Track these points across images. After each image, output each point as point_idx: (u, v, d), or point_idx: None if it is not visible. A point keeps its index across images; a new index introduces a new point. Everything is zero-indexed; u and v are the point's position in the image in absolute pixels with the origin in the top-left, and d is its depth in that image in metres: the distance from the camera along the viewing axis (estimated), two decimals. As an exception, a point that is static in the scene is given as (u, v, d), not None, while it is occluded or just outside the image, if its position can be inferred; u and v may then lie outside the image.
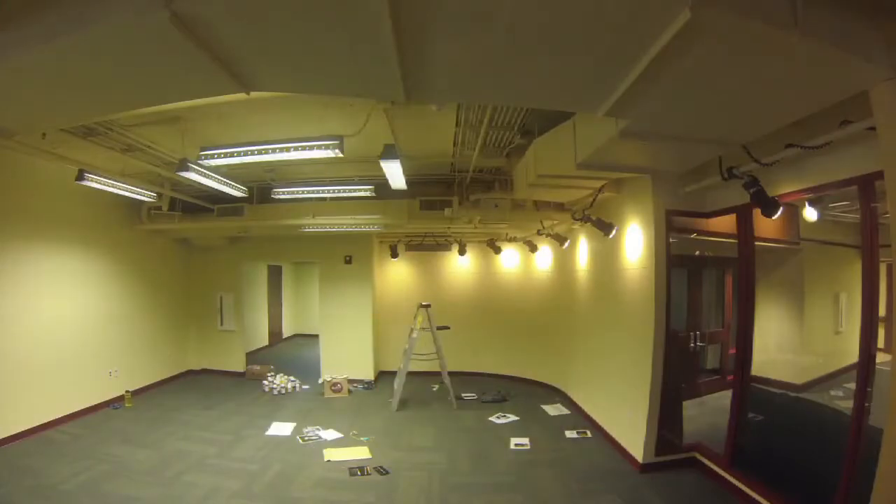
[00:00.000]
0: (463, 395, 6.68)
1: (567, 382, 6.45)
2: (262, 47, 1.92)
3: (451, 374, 7.53)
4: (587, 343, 5.61)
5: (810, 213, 3.30)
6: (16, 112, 2.74)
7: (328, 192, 5.38)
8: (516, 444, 4.80)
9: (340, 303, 7.67)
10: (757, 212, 3.12)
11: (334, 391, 6.72)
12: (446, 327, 6.61)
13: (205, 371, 7.93)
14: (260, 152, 3.55)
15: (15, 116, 2.82)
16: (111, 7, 1.71)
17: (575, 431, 5.12)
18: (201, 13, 1.65)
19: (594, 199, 4.59)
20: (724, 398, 4.29)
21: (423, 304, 6.50)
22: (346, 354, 7.49)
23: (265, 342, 10.78)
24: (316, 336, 8.12)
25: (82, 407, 5.52)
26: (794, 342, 5.09)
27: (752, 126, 2.64)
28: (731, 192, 3.44)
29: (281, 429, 5.21)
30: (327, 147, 3.45)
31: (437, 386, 7.04)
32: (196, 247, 7.89)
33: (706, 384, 5.45)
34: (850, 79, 2.04)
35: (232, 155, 3.58)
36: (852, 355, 2.77)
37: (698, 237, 4.54)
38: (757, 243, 3.72)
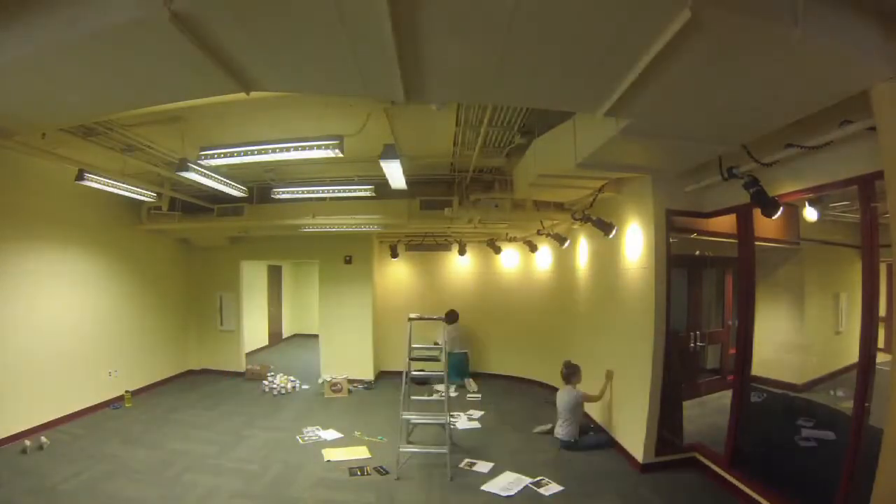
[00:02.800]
0: (468, 396, 6.68)
1: (567, 382, 6.45)
2: (261, 47, 1.92)
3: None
4: (587, 343, 5.60)
5: (810, 213, 3.30)
6: (16, 112, 2.74)
7: (328, 192, 5.38)
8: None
9: (340, 303, 7.68)
10: (757, 212, 3.12)
11: (334, 391, 6.72)
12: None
13: (205, 371, 7.93)
14: (260, 152, 3.55)
15: (15, 116, 2.82)
16: (111, 6, 1.71)
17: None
18: (201, 13, 1.65)
19: (594, 199, 4.58)
20: (724, 398, 4.29)
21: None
22: (346, 354, 7.49)
23: (265, 342, 10.79)
24: (316, 336, 8.12)
25: (82, 407, 5.52)
26: (795, 342, 5.10)
27: (751, 126, 2.64)
28: (731, 192, 3.44)
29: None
30: (327, 147, 3.45)
31: (437, 386, 7.03)
32: (196, 247, 7.90)
33: (706, 384, 5.45)
34: (850, 79, 2.04)
35: (232, 155, 3.58)
36: (852, 355, 2.77)
37: (698, 237, 4.54)
38: (757, 243, 3.72)
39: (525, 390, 7.05)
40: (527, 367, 7.50)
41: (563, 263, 6.57)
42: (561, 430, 4.70)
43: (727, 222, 3.90)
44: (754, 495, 3.38)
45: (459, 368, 7.37)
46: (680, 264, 4.49)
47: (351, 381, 6.96)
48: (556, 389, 6.58)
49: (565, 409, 4.69)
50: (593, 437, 4.71)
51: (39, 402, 4.96)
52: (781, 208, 2.93)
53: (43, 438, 4.56)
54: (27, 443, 4.43)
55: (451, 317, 7.43)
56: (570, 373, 4.86)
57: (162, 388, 6.93)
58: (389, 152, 3.78)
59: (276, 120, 3.82)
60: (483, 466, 4.23)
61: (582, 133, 3.29)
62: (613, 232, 4.43)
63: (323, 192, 5.38)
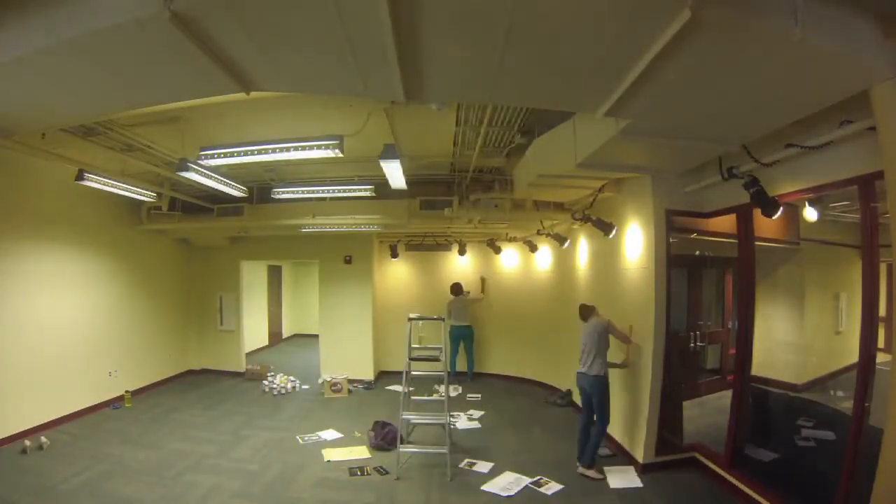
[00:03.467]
0: (468, 396, 6.68)
1: (567, 382, 6.44)
2: (261, 47, 1.92)
3: (449, 373, 7.51)
4: (587, 343, 5.60)
5: (810, 213, 3.30)
6: (16, 112, 2.74)
7: (328, 192, 5.38)
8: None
9: (340, 303, 7.67)
10: (757, 212, 3.12)
11: (334, 391, 6.72)
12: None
13: (205, 371, 7.93)
14: (260, 152, 3.55)
15: (15, 116, 2.82)
16: (111, 6, 1.71)
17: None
18: (201, 13, 1.65)
19: (594, 199, 4.59)
20: (724, 398, 4.28)
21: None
22: (346, 354, 7.49)
23: (265, 342, 10.79)
24: (316, 336, 8.12)
25: (82, 407, 5.52)
26: (795, 342, 5.10)
27: (752, 126, 2.65)
28: (731, 192, 3.44)
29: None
30: (327, 147, 3.45)
31: (437, 385, 7.04)
32: (196, 247, 7.90)
33: (706, 384, 5.45)
34: (850, 79, 2.04)
35: (232, 155, 3.58)
36: (852, 355, 2.77)
37: (698, 237, 4.54)
38: (757, 243, 3.71)
39: (525, 390, 7.05)
40: (527, 367, 7.50)
41: (563, 263, 6.57)
42: (587, 366, 4.08)
43: (727, 222, 3.89)
44: (754, 495, 3.37)
45: (466, 341, 7.54)
46: (680, 264, 4.48)
47: (351, 381, 6.96)
48: (556, 389, 6.63)
49: (591, 339, 4.09)
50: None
51: (39, 402, 4.96)
52: (781, 208, 2.93)
53: (43, 438, 4.56)
54: (27, 443, 4.43)
55: (456, 289, 7.61)
56: (588, 312, 4.32)
57: (162, 388, 6.92)
58: (389, 152, 3.78)
59: (276, 120, 3.82)
60: (483, 466, 4.23)
61: (582, 133, 3.29)
62: (613, 232, 4.43)
63: (323, 192, 5.37)
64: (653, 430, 4.01)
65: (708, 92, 2.19)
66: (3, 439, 4.49)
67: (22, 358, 4.78)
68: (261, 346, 10.44)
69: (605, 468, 4.09)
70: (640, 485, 3.85)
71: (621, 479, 3.95)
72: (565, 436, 4.85)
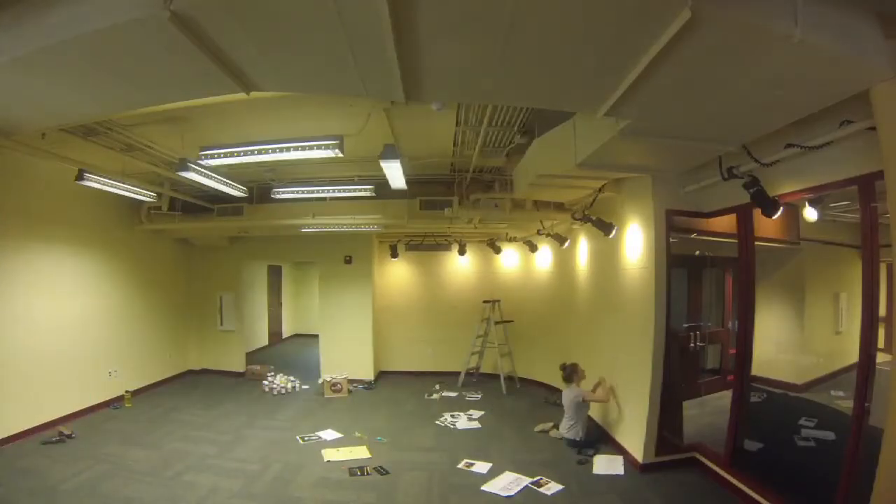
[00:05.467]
0: (467, 397, 6.68)
1: (567, 382, 6.45)
2: (261, 47, 1.92)
3: (449, 373, 7.54)
4: (587, 343, 5.60)
5: (810, 213, 3.30)
6: (15, 112, 2.74)
7: (328, 192, 5.38)
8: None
9: (340, 303, 7.67)
10: (757, 212, 3.12)
11: (334, 391, 6.72)
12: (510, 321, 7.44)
13: (205, 371, 7.93)
14: (260, 152, 3.55)
15: (14, 116, 2.82)
16: (111, 6, 1.71)
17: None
18: (200, 13, 1.65)
19: (594, 199, 4.59)
20: (724, 398, 4.29)
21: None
22: (346, 354, 7.49)
23: (265, 342, 10.78)
24: (316, 336, 8.12)
25: (82, 407, 5.52)
26: (795, 342, 5.10)
27: (751, 126, 2.65)
28: (731, 192, 3.44)
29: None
30: (327, 147, 3.45)
31: (437, 385, 7.06)
32: (196, 247, 7.89)
33: (706, 384, 5.45)
34: (850, 79, 2.04)
35: (232, 155, 3.58)
36: (852, 355, 2.76)
37: (698, 237, 4.54)
38: (757, 243, 3.71)
39: (525, 390, 7.05)
40: (527, 367, 7.50)
41: (563, 263, 6.57)
42: (564, 429, 4.76)
43: (727, 222, 3.89)
44: (754, 495, 3.38)
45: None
46: (680, 264, 4.48)
47: (351, 381, 6.96)
48: (556, 390, 6.63)
49: (568, 408, 4.75)
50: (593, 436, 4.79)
51: (39, 402, 4.95)
52: (781, 208, 2.93)
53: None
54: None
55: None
56: (569, 373, 4.91)
57: (162, 388, 6.93)
58: (389, 152, 3.78)
59: (276, 120, 3.82)
60: (483, 466, 4.22)
61: (582, 133, 3.29)
62: (613, 232, 4.43)
63: (323, 192, 5.37)
64: (653, 429, 4.01)
65: (708, 92, 2.19)
66: (3, 439, 4.49)
67: (22, 358, 4.78)
68: (261, 345, 10.44)
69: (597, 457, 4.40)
70: (622, 472, 4.09)
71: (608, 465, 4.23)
72: (565, 436, 4.84)
